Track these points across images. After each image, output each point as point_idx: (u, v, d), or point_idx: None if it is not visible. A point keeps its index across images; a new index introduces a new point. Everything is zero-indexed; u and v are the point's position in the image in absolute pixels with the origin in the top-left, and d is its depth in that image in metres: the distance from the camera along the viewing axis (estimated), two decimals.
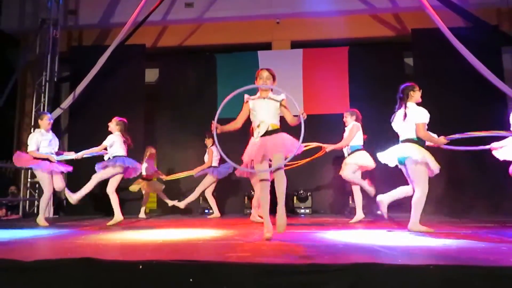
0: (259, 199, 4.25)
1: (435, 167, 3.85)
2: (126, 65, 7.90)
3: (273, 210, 3.30)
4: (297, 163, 5.46)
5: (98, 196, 6.72)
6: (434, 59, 7.31)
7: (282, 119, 3.46)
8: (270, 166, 3.41)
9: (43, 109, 7.66)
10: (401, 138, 4.05)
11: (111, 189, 5.19)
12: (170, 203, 6.85)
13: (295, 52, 8.13)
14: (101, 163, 5.24)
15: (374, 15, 8.05)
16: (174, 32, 8.43)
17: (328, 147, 5.39)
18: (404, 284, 1.84)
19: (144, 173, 6.81)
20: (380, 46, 8.07)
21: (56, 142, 5.54)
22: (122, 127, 5.35)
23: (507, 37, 7.29)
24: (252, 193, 6.29)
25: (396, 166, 4.09)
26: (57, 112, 7.45)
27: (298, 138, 3.19)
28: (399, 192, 4.12)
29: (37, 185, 7.54)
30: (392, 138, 4.21)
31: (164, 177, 7.05)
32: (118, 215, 5.10)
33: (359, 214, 5.26)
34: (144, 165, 6.82)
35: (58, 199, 7.64)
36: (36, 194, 7.63)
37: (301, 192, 7.33)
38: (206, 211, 7.36)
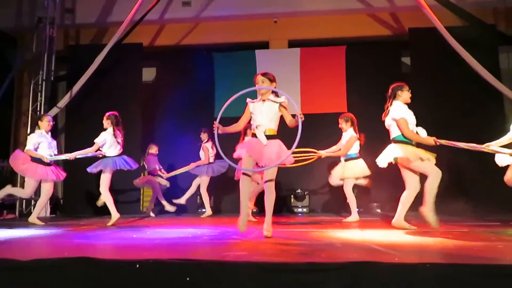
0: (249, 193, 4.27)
1: (423, 165, 3.77)
2: (123, 64, 7.86)
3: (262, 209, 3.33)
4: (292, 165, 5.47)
5: (94, 195, 6.70)
6: (431, 58, 7.31)
7: (281, 119, 3.51)
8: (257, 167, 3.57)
9: (40, 108, 7.62)
10: (391, 137, 4.07)
11: (104, 188, 5.13)
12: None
13: (292, 51, 8.10)
14: (94, 164, 5.19)
15: (371, 14, 8.04)
16: (172, 31, 8.40)
17: (324, 154, 5.40)
18: (401, 282, 1.85)
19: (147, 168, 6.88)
20: (377, 45, 8.05)
21: (54, 144, 5.54)
22: (113, 120, 5.23)
23: (504, 37, 7.30)
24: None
25: (396, 166, 4.10)
26: (54, 111, 7.41)
27: (294, 140, 3.18)
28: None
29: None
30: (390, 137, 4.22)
31: (165, 175, 7.05)
32: (114, 213, 5.06)
33: (354, 216, 5.27)
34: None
35: (55, 199, 7.61)
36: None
37: (298, 191, 7.34)
38: (199, 210, 7.33)
